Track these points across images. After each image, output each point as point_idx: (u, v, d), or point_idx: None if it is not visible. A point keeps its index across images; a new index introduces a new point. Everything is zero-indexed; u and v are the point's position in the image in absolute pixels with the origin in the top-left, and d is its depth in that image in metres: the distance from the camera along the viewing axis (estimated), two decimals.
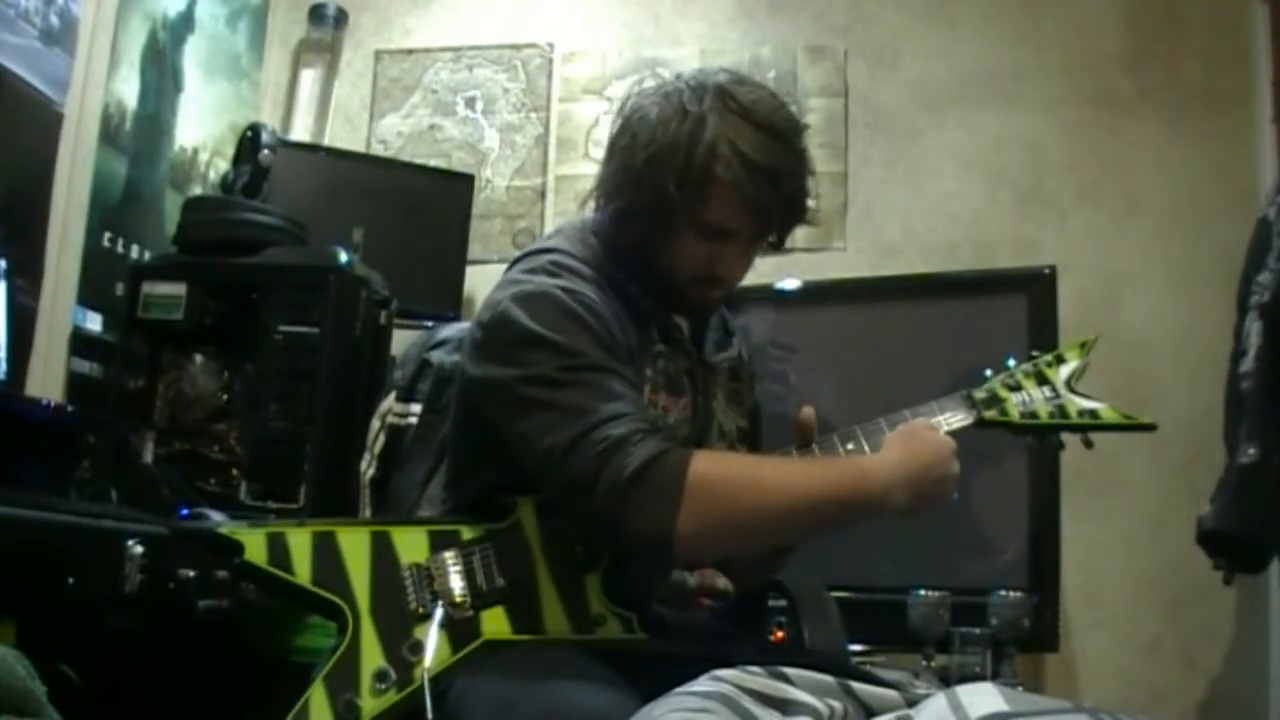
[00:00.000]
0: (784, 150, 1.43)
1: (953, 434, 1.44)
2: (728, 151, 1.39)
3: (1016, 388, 1.50)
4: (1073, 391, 1.51)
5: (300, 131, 3.30)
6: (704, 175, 1.40)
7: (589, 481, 1.27)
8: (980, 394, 1.49)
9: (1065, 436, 1.55)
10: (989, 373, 1.52)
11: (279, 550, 1.32)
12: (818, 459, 1.41)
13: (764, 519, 1.33)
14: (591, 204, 1.55)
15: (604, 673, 1.26)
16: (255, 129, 2.69)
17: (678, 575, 1.46)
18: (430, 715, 1.21)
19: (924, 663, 2.35)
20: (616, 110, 1.52)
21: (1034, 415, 1.49)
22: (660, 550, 1.30)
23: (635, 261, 1.49)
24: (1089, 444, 1.51)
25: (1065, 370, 1.52)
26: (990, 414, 1.48)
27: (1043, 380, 1.52)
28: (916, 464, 1.36)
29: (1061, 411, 1.49)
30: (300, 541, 1.33)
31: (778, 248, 1.56)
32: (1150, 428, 1.49)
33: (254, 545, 1.32)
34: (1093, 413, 1.49)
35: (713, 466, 1.31)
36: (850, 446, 1.41)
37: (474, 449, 1.47)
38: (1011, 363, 1.54)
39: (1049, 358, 1.54)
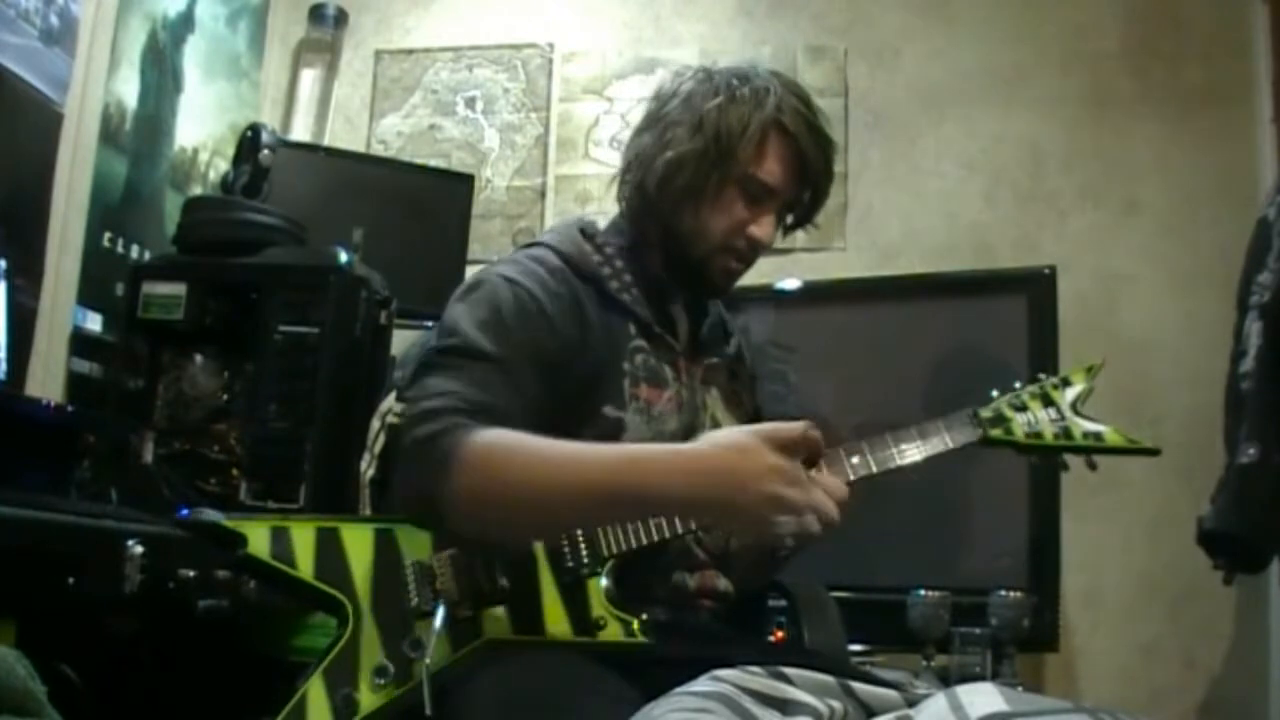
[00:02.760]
0: (827, 128, 1.55)
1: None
2: (791, 109, 1.50)
3: (1022, 408, 1.50)
4: (1078, 414, 1.51)
5: (300, 131, 3.30)
6: (769, 125, 1.49)
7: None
8: (986, 413, 1.49)
9: (1069, 458, 1.54)
10: (995, 393, 1.52)
11: (282, 543, 1.32)
12: (615, 446, 1.37)
13: (532, 492, 1.29)
14: (616, 183, 1.58)
15: (604, 674, 1.26)
16: (255, 129, 2.68)
17: (678, 577, 1.46)
18: (430, 712, 1.21)
19: (924, 663, 2.35)
20: (652, 95, 1.58)
21: (1039, 436, 1.49)
22: (430, 516, 1.31)
23: (660, 233, 1.53)
24: (1093, 466, 1.51)
25: (1071, 393, 1.52)
26: (996, 433, 1.48)
27: (1048, 402, 1.51)
28: (719, 475, 1.23)
29: (1066, 433, 1.49)
30: (304, 535, 1.33)
31: (796, 227, 1.62)
32: (1154, 453, 1.49)
33: (257, 538, 1.32)
34: (1097, 435, 1.49)
35: (495, 439, 1.29)
36: (855, 460, 1.41)
37: None
38: (1018, 384, 1.54)
39: (1055, 380, 1.54)
